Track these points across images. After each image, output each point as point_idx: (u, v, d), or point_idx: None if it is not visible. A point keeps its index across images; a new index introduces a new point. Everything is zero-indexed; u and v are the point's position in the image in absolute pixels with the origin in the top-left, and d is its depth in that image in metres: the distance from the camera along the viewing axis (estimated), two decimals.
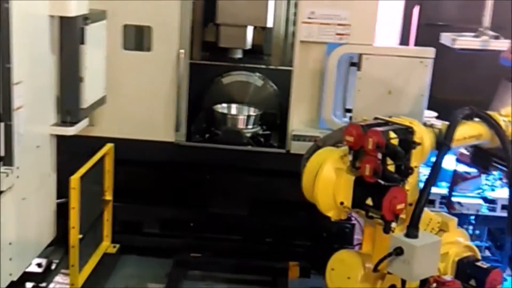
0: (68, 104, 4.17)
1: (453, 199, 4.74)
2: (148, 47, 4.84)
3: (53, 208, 4.32)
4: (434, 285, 3.20)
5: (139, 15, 4.77)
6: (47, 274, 4.39)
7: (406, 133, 3.16)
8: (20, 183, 3.69)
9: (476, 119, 3.47)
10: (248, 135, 5.06)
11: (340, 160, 3.27)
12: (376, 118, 3.31)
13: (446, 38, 4.92)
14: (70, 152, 4.39)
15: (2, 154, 3.50)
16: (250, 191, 5.05)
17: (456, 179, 4.38)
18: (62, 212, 4.24)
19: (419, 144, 3.18)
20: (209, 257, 4.94)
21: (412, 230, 3.03)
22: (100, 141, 4.61)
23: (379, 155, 3.04)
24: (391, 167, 3.08)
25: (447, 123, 3.30)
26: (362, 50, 4.78)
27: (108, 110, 4.79)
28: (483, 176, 4.85)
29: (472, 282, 3.29)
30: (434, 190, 3.61)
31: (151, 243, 5.06)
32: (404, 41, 6.53)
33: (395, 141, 3.09)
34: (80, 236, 4.06)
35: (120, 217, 4.94)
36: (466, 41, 4.80)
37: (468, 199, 4.78)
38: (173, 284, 4.68)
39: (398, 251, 2.99)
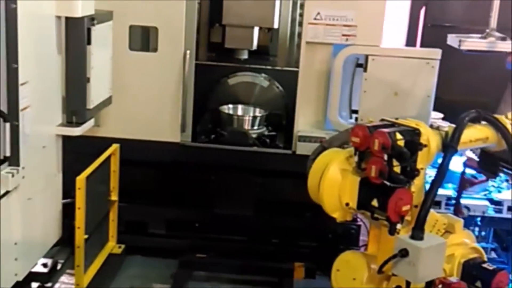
0: (74, 105, 4.18)
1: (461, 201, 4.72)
2: (154, 48, 4.85)
3: (59, 208, 4.32)
4: (440, 286, 3.19)
5: (145, 16, 4.77)
6: (52, 274, 4.39)
7: (412, 135, 3.15)
8: (26, 183, 3.70)
9: (483, 122, 3.45)
10: (254, 136, 5.06)
11: (346, 161, 3.27)
12: (382, 120, 3.31)
13: (452, 39, 4.90)
14: (76, 153, 4.39)
15: (8, 154, 3.50)
16: (255, 192, 5.05)
17: (464, 183, 4.36)
18: (68, 212, 4.24)
19: (425, 146, 3.17)
20: (214, 258, 4.94)
21: (417, 232, 3.02)
22: (106, 142, 4.62)
23: (385, 156, 3.03)
24: (397, 169, 3.07)
25: (453, 125, 3.30)
26: (369, 51, 4.78)
27: (114, 111, 4.80)
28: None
29: (478, 284, 3.28)
30: (440, 191, 3.59)
31: (157, 244, 5.06)
32: (410, 42, 6.52)
33: (401, 143, 3.08)
34: (86, 236, 4.07)
35: (126, 218, 4.94)
36: (472, 42, 4.78)
37: (474, 201, 4.76)
38: (179, 285, 4.69)
39: (403, 253, 2.98)
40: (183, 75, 4.83)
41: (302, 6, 5.05)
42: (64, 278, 4.58)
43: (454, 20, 6.42)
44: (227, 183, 5.06)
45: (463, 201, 4.72)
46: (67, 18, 4.01)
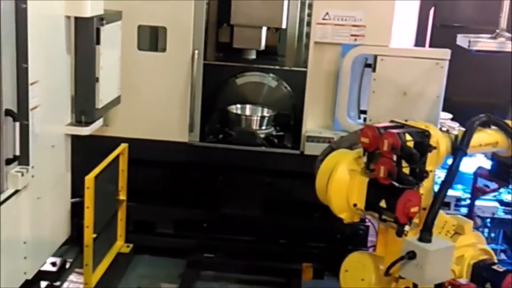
0: (83, 104, 4.19)
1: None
2: (162, 48, 4.85)
3: (67, 207, 4.34)
4: None
5: (154, 16, 4.78)
6: (61, 273, 4.40)
7: (422, 136, 3.14)
8: (35, 183, 3.71)
9: (493, 127, 3.44)
10: (262, 136, 5.06)
11: (354, 161, 3.26)
12: (392, 121, 3.30)
13: (462, 39, 4.88)
14: (85, 152, 4.40)
15: (18, 153, 3.52)
16: (263, 192, 5.05)
17: (476, 193, 4.34)
18: (76, 211, 4.25)
19: (434, 148, 3.16)
20: (222, 258, 4.94)
21: (425, 234, 3.01)
22: (115, 141, 4.63)
23: (394, 157, 3.02)
24: (406, 170, 3.06)
25: (463, 129, 3.29)
26: (377, 51, 4.77)
27: (123, 110, 4.81)
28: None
29: (488, 286, 3.26)
30: (449, 192, 3.58)
31: (165, 243, 5.07)
32: (419, 42, 6.50)
33: (410, 144, 3.08)
34: (94, 235, 4.08)
35: (134, 217, 4.95)
36: (482, 42, 4.76)
37: (484, 202, 4.74)
38: (186, 285, 4.69)
39: (411, 255, 2.97)
40: (191, 75, 4.84)
41: (310, 6, 5.05)
42: (72, 277, 4.60)
43: (463, 20, 6.40)
44: (235, 183, 5.06)
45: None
46: (76, 18, 4.02)
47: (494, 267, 3.31)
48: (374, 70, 4.78)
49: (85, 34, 4.07)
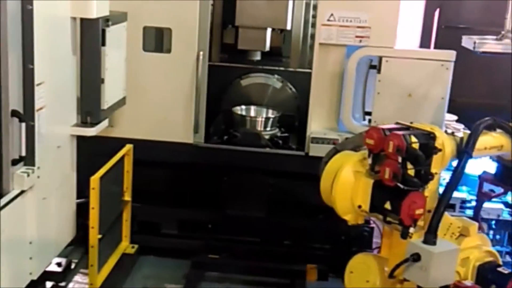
0: (89, 105, 4.20)
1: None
2: (167, 49, 4.86)
3: (73, 208, 4.35)
4: None
5: (159, 17, 4.79)
6: (66, 274, 4.41)
7: (427, 138, 3.14)
8: (41, 183, 3.72)
9: (498, 130, 3.43)
10: (267, 137, 5.06)
11: (359, 163, 3.27)
12: (397, 123, 3.30)
13: (467, 41, 4.88)
14: (90, 153, 4.41)
15: (24, 154, 3.53)
16: (268, 193, 5.05)
17: (482, 197, 4.33)
18: (82, 212, 4.26)
19: (440, 150, 3.15)
20: (227, 259, 4.94)
21: (430, 237, 3.01)
22: (120, 142, 4.64)
23: (399, 159, 3.02)
24: (411, 172, 3.06)
25: (468, 132, 3.29)
26: (382, 52, 4.76)
27: (128, 111, 4.82)
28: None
29: None
30: (454, 194, 3.57)
31: (169, 244, 5.08)
32: (424, 43, 6.49)
33: (416, 146, 3.08)
34: (100, 236, 4.09)
35: (139, 218, 4.96)
36: (488, 44, 4.75)
37: (489, 204, 4.73)
38: (191, 285, 4.70)
39: (415, 257, 2.97)
40: (196, 76, 4.84)
41: (315, 7, 5.05)
42: (78, 278, 4.61)
43: (468, 21, 6.39)
44: (240, 184, 5.07)
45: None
46: (82, 19, 4.03)
47: (499, 269, 3.31)
48: (379, 71, 4.77)
49: (90, 35, 4.08)
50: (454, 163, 3.24)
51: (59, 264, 4.29)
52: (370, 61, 4.96)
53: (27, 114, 3.52)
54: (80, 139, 4.27)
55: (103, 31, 4.13)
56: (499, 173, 3.73)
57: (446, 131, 3.35)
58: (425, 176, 3.08)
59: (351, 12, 4.78)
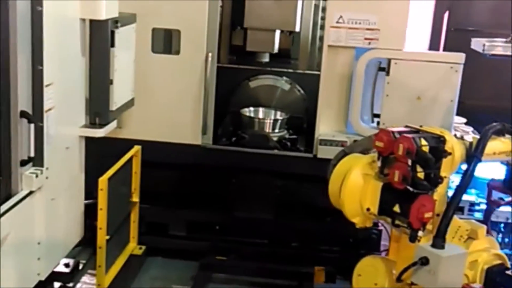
0: (97, 106, 4.21)
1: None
2: (176, 51, 4.86)
3: (81, 208, 4.36)
4: None
5: (168, 19, 4.79)
6: (74, 274, 4.42)
7: (437, 142, 3.13)
8: (50, 184, 3.73)
9: (507, 136, 3.41)
10: (275, 139, 5.06)
11: (368, 166, 3.26)
12: (407, 126, 3.29)
13: (477, 43, 4.86)
14: (99, 154, 4.42)
15: (32, 155, 3.54)
16: (276, 195, 5.04)
17: (491, 205, 4.31)
18: (90, 213, 4.27)
19: (449, 153, 3.14)
20: (234, 261, 4.93)
21: (438, 240, 3.00)
22: (128, 143, 4.64)
23: (409, 162, 3.01)
24: (420, 175, 3.05)
25: (477, 136, 3.27)
26: (391, 55, 4.75)
27: (136, 113, 4.83)
28: None
29: None
30: (463, 197, 3.55)
31: (177, 246, 5.08)
32: (434, 46, 6.47)
33: (426, 149, 3.06)
34: (107, 237, 4.09)
35: (147, 219, 4.97)
36: (497, 47, 4.73)
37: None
38: (198, 287, 4.70)
39: (423, 261, 2.96)
40: (204, 77, 4.84)
41: (324, 9, 5.05)
42: (85, 278, 4.62)
43: (478, 24, 6.37)
44: (248, 186, 5.06)
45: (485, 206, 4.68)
46: (91, 21, 4.04)
47: (508, 272, 3.30)
48: (387, 73, 4.76)
49: (99, 37, 4.09)
50: (463, 167, 3.23)
51: (67, 265, 4.30)
52: (379, 63, 4.96)
53: (36, 115, 3.52)
54: (89, 140, 4.28)
55: (112, 33, 4.14)
56: (508, 179, 3.71)
57: (455, 135, 3.33)
58: (434, 180, 3.07)
59: (360, 14, 4.77)
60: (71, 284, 4.41)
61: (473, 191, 4.75)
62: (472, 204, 4.72)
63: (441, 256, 2.92)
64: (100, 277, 4.12)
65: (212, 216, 5.09)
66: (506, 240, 4.91)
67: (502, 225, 4.80)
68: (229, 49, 5.40)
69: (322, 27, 5.04)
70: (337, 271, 4.80)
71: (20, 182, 3.48)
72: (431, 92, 4.71)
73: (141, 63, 4.74)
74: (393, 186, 3.06)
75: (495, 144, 3.35)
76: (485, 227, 3.48)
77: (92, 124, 4.23)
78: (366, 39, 4.81)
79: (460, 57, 4.72)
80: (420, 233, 3.05)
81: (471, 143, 3.27)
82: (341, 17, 4.80)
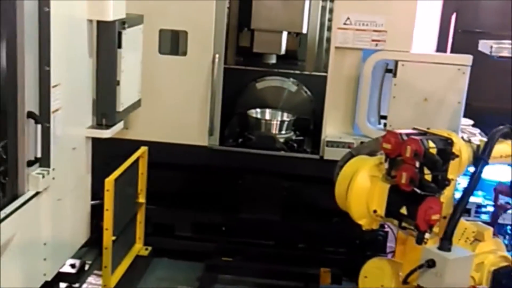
0: (104, 107, 4.21)
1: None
2: (183, 52, 4.87)
3: (87, 209, 4.36)
4: None
5: (175, 20, 4.80)
6: (80, 275, 4.43)
7: (445, 144, 3.12)
8: (56, 184, 3.73)
9: None
10: (281, 140, 5.06)
11: (376, 168, 3.25)
12: (414, 128, 3.28)
13: (484, 45, 4.84)
14: (106, 155, 4.43)
15: (39, 155, 3.55)
16: (282, 196, 5.04)
17: (499, 210, 4.30)
18: (96, 213, 4.28)
19: (457, 156, 3.13)
20: (240, 262, 4.93)
21: (445, 243, 2.99)
22: (135, 144, 4.65)
23: (417, 164, 3.00)
24: (428, 177, 3.04)
25: (484, 139, 3.26)
26: (398, 56, 4.74)
27: (143, 114, 4.83)
28: None
29: None
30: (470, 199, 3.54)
31: (183, 246, 5.08)
32: (441, 48, 6.46)
33: (433, 151, 3.05)
34: (114, 237, 4.10)
35: (153, 220, 4.97)
36: (505, 48, 4.72)
37: None
38: None
39: (430, 263, 2.95)
40: (211, 78, 4.84)
41: (331, 11, 5.04)
42: (91, 279, 4.62)
43: (486, 26, 6.35)
44: (254, 187, 5.06)
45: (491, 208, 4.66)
46: (98, 22, 4.05)
47: None
48: (395, 75, 4.75)
49: (107, 38, 4.09)
50: (470, 169, 3.21)
51: (73, 266, 4.30)
52: (386, 65, 4.95)
53: (43, 116, 3.53)
54: (96, 141, 4.29)
55: (119, 34, 4.14)
56: None
57: (462, 138, 3.33)
58: (441, 182, 3.06)
59: (368, 16, 4.76)
60: (77, 285, 4.42)
61: (480, 193, 4.73)
62: (479, 206, 4.71)
63: (448, 258, 2.92)
64: (106, 278, 4.13)
65: (218, 217, 5.09)
66: None
67: (509, 227, 4.78)
68: (236, 51, 5.40)
69: (329, 29, 5.04)
70: (343, 272, 4.79)
71: (26, 182, 3.49)
72: (438, 94, 4.69)
73: (148, 64, 4.74)
74: (400, 188, 3.05)
75: (502, 147, 3.34)
76: (491, 229, 3.47)
77: (99, 125, 4.23)
78: (373, 40, 4.80)
79: (468, 59, 4.70)
80: (427, 235, 3.04)
81: (478, 145, 3.26)
82: (348, 18, 4.79)
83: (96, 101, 4.22)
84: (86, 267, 4.55)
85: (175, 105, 4.92)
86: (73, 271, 4.27)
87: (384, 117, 4.95)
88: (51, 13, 3.47)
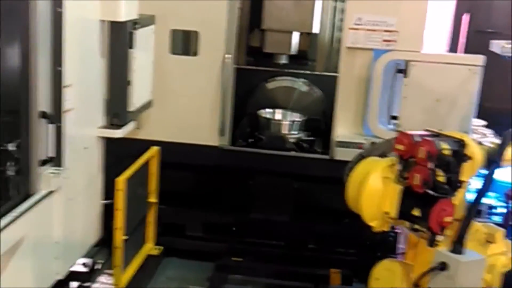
0: (116, 107, 4.23)
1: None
2: (194, 52, 4.87)
3: (99, 208, 4.38)
4: None
5: (186, 20, 4.80)
6: (92, 274, 4.45)
7: (458, 146, 3.10)
8: (68, 184, 3.76)
9: None
10: (292, 140, 5.05)
11: (388, 169, 3.24)
12: (426, 130, 3.26)
13: (496, 45, 4.81)
14: (117, 154, 4.44)
15: (52, 155, 3.57)
16: (293, 197, 5.03)
17: (510, 216, 4.26)
18: (109, 213, 4.30)
19: (470, 158, 3.11)
20: (250, 262, 4.93)
21: (457, 246, 2.97)
22: (146, 144, 4.66)
23: (429, 165, 2.99)
24: (441, 179, 3.03)
25: (497, 142, 3.24)
26: (410, 57, 4.72)
27: (154, 114, 4.85)
28: None
29: None
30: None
31: (194, 246, 5.09)
32: (453, 48, 6.43)
33: (447, 152, 3.04)
34: (125, 237, 4.11)
35: (164, 220, 4.98)
36: None
37: None
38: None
39: (442, 266, 2.93)
40: (222, 79, 4.84)
41: (342, 11, 5.03)
42: (103, 278, 4.64)
43: (499, 26, 6.31)
44: (264, 187, 5.05)
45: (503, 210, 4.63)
46: (110, 22, 4.07)
47: None
48: (406, 75, 4.73)
49: (119, 38, 4.12)
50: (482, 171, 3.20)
51: (84, 265, 4.33)
52: (397, 65, 4.92)
53: (55, 116, 3.56)
54: (109, 141, 4.31)
55: (131, 34, 4.16)
56: None
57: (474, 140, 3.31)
58: (454, 184, 3.05)
59: (379, 16, 4.74)
60: (88, 284, 4.44)
61: (492, 194, 4.70)
62: (491, 207, 4.68)
63: (461, 261, 2.90)
64: (117, 277, 4.14)
65: (229, 217, 5.09)
66: None
67: None
68: (247, 51, 5.40)
69: (340, 29, 5.03)
70: (354, 273, 4.78)
71: (39, 182, 3.52)
72: (449, 95, 4.67)
73: (160, 65, 4.76)
74: (412, 190, 3.04)
75: None
76: (503, 230, 3.45)
77: (111, 125, 4.26)
78: (384, 41, 4.78)
79: (479, 59, 4.66)
80: (439, 237, 3.02)
81: (491, 148, 3.24)
82: (359, 18, 4.78)
83: (107, 101, 4.24)
84: (98, 266, 4.57)
85: (186, 105, 4.93)
86: (84, 270, 4.30)
87: (395, 118, 4.93)
88: (64, 14, 3.49)
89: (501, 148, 3.17)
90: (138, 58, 4.26)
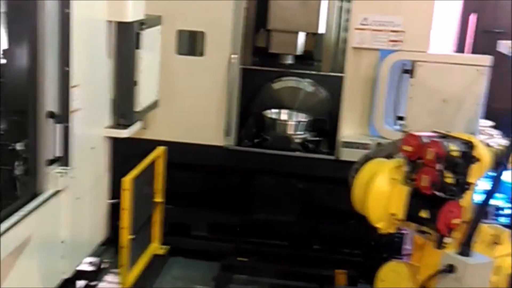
0: (123, 107, 4.25)
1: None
2: (200, 52, 4.88)
3: (106, 208, 4.39)
4: None
5: (193, 21, 4.80)
6: (98, 273, 4.46)
7: (466, 147, 3.10)
8: (75, 183, 3.77)
9: None
10: (298, 141, 5.05)
11: (395, 170, 3.23)
12: (434, 132, 3.26)
13: (504, 46, 4.80)
14: (124, 154, 4.45)
15: (59, 154, 3.59)
16: (298, 197, 5.03)
17: None
18: (116, 212, 4.31)
19: (477, 160, 3.11)
20: (256, 262, 4.93)
21: (465, 248, 2.96)
22: (152, 144, 4.67)
23: (437, 167, 2.98)
24: (449, 180, 3.02)
25: (505, 143, 3.24)
26: (416, 57, 4.71)
27: (161, 114, 4.85)
28: None
29: None
30: None
31: (199, 246, 5.09)
32: (460, 48, 6.41)
33: (455, 153, 3.03)
34: (131, 236, 4.12)
35: (169, 219, 4.99)
36: None
37: None
38: (220, 287, 4.70)
39: (450, 268, 2.93)
40: (228, 79, 4.85)
41: (348, 11, 5.03)
42: (109, 277, 4.65)
43: (506, 26, 6.28)
44: (270, 187, 5.05)
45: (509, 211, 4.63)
46: (117, 23, 4.08)
47: None
48: (412, 76, 4.72)
49: (125, 39, 4.13)
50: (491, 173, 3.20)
51: (91, 264, 4.34)
52: (403, 65, 4.92)
53: (62, 116, 3.57)
54: (115, 141, 4.32)
55: (138, 35, 4.17)
56: None
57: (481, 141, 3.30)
58: (462, 186, 3.05)
59: (385, 16, 4.73)
60: (95, 283, 4.46)
61: (499, 195, 4.70)
62: (498, 208, 4.67)
63: (468, 263, 2.89)
64: (123, 276, 4.15)
65: (234, 217, 5.09)
66: None
67: None
68: (253, 51, 5.40)
69: (346, 29, 5.02)
70: (359, 274, 4.77)
71: (46, 181, 3.53)
72: (456, 95, 4.65)
73: (166, 65, 4.76)
74: (420, 191, 3.04)
75: None
76: (509, 231, 3.44)
77: (117, 125, 4.27)
78: (390, 41, 4.78)
79: (486, 59, 4.64)
80: (447, 239, 3.02)
81: (498, 150, 3.23)
82: (365, 19, 4.77)
83: (114, 101, 4.25)
84: (105, 265, 4.58)
85: (192, 105, 4.93)
86: (91, 269, 4.31)
87: (401, 118, 4.92)
88: (71, 14, 3.50)
89: (508, 150, 3.16)
90: (144, 58, 4.27)
